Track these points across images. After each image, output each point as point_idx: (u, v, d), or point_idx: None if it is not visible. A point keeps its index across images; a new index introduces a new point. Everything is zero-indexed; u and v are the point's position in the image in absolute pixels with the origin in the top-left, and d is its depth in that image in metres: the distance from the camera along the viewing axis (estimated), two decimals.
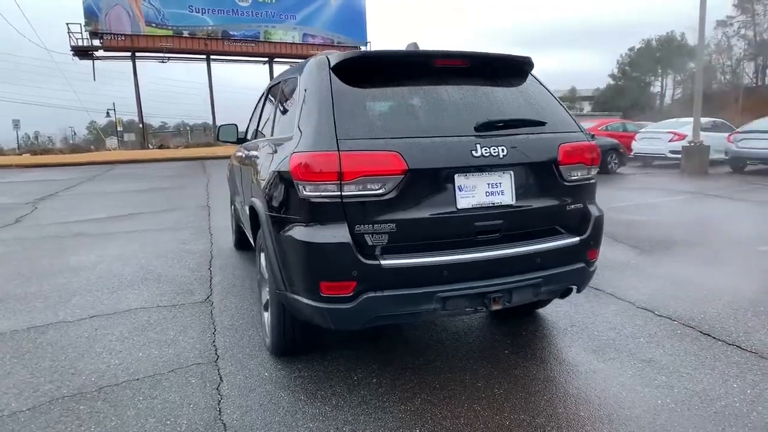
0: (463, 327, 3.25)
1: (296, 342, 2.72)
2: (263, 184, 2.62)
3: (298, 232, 2.23)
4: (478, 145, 2.26)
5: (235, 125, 4.59)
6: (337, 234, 2.14)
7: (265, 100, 3.75)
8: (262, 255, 2.96)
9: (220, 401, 2.41)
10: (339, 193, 2.12)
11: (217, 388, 2.53)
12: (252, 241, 3.78)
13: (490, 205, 2.30)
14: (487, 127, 2.33)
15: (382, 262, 2.13)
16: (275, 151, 2.60)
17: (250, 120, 4.58)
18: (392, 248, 2.19)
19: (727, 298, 3.56)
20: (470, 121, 2.35)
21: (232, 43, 29.30)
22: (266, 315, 3.04)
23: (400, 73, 2.45)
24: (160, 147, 30.83)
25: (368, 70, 2.40)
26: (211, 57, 30.05)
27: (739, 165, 11.87)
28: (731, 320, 3.18)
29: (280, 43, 30.38)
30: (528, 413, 2.25)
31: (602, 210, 2.66)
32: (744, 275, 4.10)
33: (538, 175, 2.42)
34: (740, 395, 2.35)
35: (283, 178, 2.35)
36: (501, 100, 2.52)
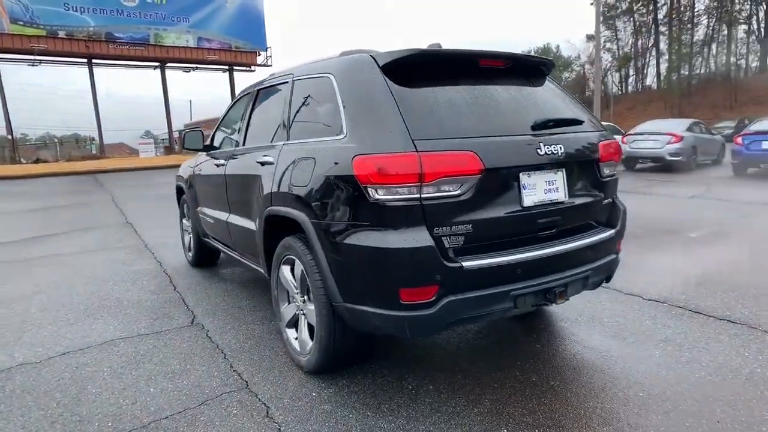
0: (482, 329, 3.28)
1: (344, 357, 2.57)
2: (304, 191, 2.43)
3: (371, 239, 2.11)
4: (541, 144, 2.31)
5: (201, 131, 4.24)
6: (419, 238, 2.05)
7: (253, 104, 3.49)
8: (285, 268, 2.77)
9: (280, 429, 2.19)
10: (418, 195, 2.04)
11: (268, 415, 2.30)
12: (245, 257, 3.51)
13: (548, 202, 2.36)
14: (543, 126, 2.39)
15: (464, 264, 2.09)
16: (313, 156, 2.43)
17: (218, 127, 4.26)
18: (468, 249, 2.15)
19: (694, 280, 3.99)
20: (523, 120, 2.40)
21: (117, 46, 26.94)
22: (290, 332, 2.84)
23: (449, 72, 2.42)
24: (36, 161, 27.36)
25: (418, 68, 2.34)
26: (94, 61, 27.39)
27: (631, 164, 13.33)
28: (709, 299, 3.57)
29: (173, 47, 28.54)
30: (597, 400, 2.34)
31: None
32: (695, 259, 4.62)
33: (583, 172, 2.54)
34: (756, 362, 2.64)
35: (341, 182, 2.21)
36: (539, 100, 2.60)
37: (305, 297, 2.65)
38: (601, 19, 68.61)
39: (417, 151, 2.04)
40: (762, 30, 50.49)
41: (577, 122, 2.55)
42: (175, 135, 30.90)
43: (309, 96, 2.79)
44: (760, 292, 3.65)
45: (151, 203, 10.39)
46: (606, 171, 2.64)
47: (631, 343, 2.93)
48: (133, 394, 2.54)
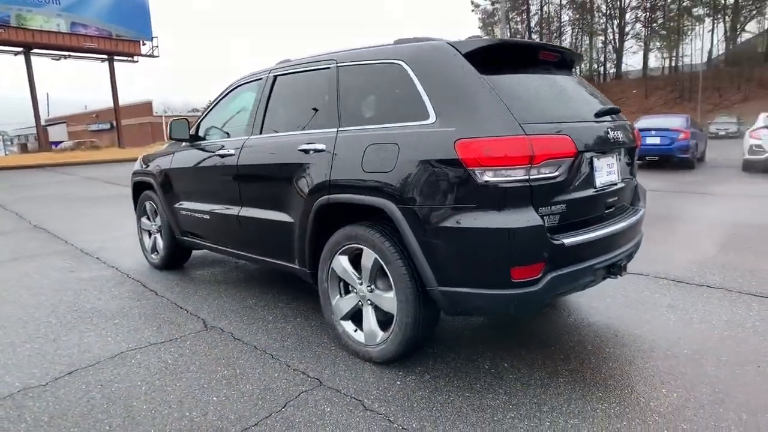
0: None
1: (421, 343, 2.56)
2: (386, 177, 2.37)
3: (481, 220, 2.13)
4: (610, 129, 2.50)
5: (187, 120, 3.90)
6: (529, 217, 2.13)
7: (270, 92, 3.28)
8: (342, 259, 2.68)
9: (389, 419, 2.13)
10: (527, 177, 2.12)
11: (366, 408, 2.22)
12: (260, 253, 3.30)
13: (609, 183, 2.57)
14: (603, 114, 2.59)
15: (565, 240, 2.21)
16: (395, 141, 2.38)
17: (205, 117, 3.94)
18: (560, 228, 2.27)
19: (663, 255, 4.54)
20: (586, 107, 2.58)
21: None
22: (347, 325, 2.76)
23: (517, 61, 2.51)
24: None
25: (492, 57, 2.40)
26: None
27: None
28: (685, 271, 4.09)
29: (41, 31, 25.23)
30: (653, 360, 2.59)
31: None
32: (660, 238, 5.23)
33: (626, 155, 2.79)
34: (752, 318, 3.11)
35: (442, 166, 2.20)
36: (584, 90, 2.80)
37: (372, 286, 2.59)
38: (480, 25, 73.31)
39: (526, 135, 2.11)
40: (616, 40, 57.59)
41: (619, 111, 2.80)
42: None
43: (368, 82, 2.70)
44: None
45: (51, 205, 9.18)
46: (635, 155, 2.93)
47: (646, 311, 3.28)
48: (195, 405, 2.29)
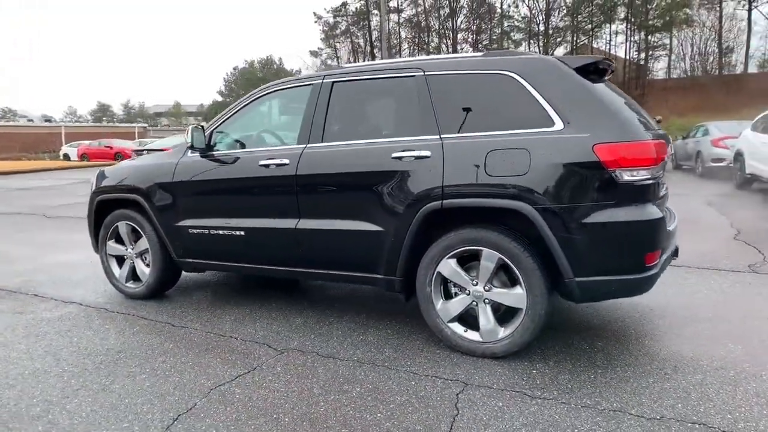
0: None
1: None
2: (520, 180, 2.52)
3: (623, 214, 2.42)
4: (669, 137, 3.00)
5: (203, 128, 3.54)
6: (654, 210, 2.48)
7: (329, 98, 3.16)
8: (450, 262, 2.76)
9: (561, 400, 2.30)
10: (650, 176, 2.47)
11: (532, 396, 2.35)
12: (329, 267, 3.17)
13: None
14: (657, 122, 3.08)
15: (669, 228, 2.62)
16: (524, 146, 2.55)
17: (223, 126, 3.59)
18: None
19: None
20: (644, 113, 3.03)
21: None
22: (456, 326, 2.84)
23: (597, 74, 2.86)
24: None
25: (587, 72, 2.73)
26: None
27: None
28: None
29: None
30: (702, 324, 3.16)
31: None
32: None
33: None
34: (752, 285, 3.93)
35: (582, 168, 2.45)
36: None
37: (489, 285, 2.71)
38: (323, 36, 74.65)
39: (652, 139, 2.47)
40: None
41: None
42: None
43: (470, 91, 2.81)
44: None
45: None
46: None
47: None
48: (373, 425, 2.19)
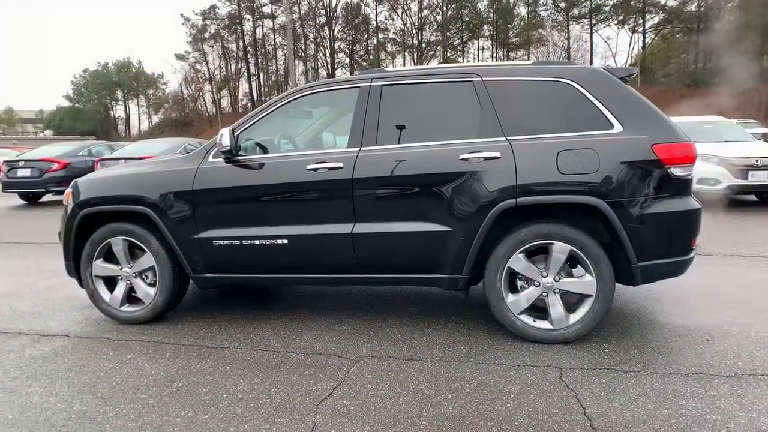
0: None
1: None
2: (592, 177, 2.77)
3: (677, 205, 2.80)
4: None
5: (232, 131, 3.30)
6: (695, 201, 2.90)
7: (379, 102, 3.14)
8: (520, 257, 2.94)
9: (668, 373, 2.59)
10: (690, 172, 2.89)
11: (628, 371, 2.61)
12: (389, 270, 3.17)
13: None
14: None
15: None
16: (591, 147, 2.81)
17: (249, 128, 3.37)
18: None
19: None
20: None
21: None
22: (526, 318, 3.01)
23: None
24: None
25: (624, 80, 3.09)
26: None
27: None
28: None
29: None
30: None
31: None
32: None
33: None
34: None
35: (644, 165, 2.77)
36: None
37: (558, 276, 2.94)
38: (191, 39, 70.87)
39: (691, 141, 2.89)
40: (328, 67, 63.95)
41: None
42: None
43: (530, 96, 3.00)
44: None
45: None
46: None
47: None
48: (509, 415, 2.26)
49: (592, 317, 2.91)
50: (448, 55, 56.20)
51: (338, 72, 63.08)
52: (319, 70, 65.73)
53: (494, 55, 53.79)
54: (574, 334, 2.94)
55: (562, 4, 50.50)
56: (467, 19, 52.88)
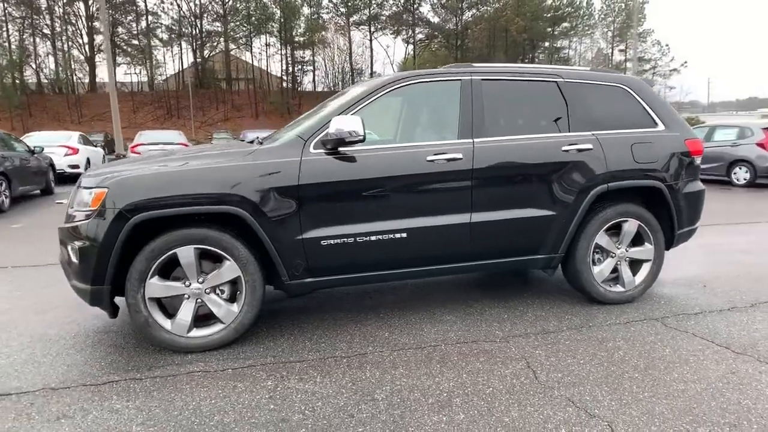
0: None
1: None
2: (655, 165, 3.47)
3: (698, 186, 3.73)
4: None
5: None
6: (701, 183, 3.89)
7: (481, 95, 3.29)
8: (602, 232, 3.51)
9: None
10: (699, 161, 3.86)
11: (712, 343, 3.41)
12: (494, 255, 3.39)
13: None
14: None
15: None
16: (650, 141, 3.52)
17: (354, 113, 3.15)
18: None
19: None
20: None
21: None
22: (605, 285, 3.58)
23: None
24: None
25: None
26: None
27: None
28: None
29: None
30: None
31: None
32: None
33: None
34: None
35: (681, 155, 3.59)
36: None
37: (627, 247, 3.59)
38: None
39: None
40: (86, 50, 54.70)
41: None
42: None
43: (596, 97, 3.54)
44: None
45: None
46: None
47: None
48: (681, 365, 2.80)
49: (651, 277, 3.66)
50: (230, 48, 54.09)
51: (99, 57, 54.46)
52: (73, 52, 55.78)
53: (281, 53, 53.90)
54: (639, 294, 3.64)
55: (343, 9, 53.54)
56: (251, 12, 51.55)
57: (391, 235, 3.11)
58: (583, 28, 53.00)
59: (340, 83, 56.80)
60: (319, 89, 56.61)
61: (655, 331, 3.12)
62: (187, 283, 2.90)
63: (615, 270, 3.60)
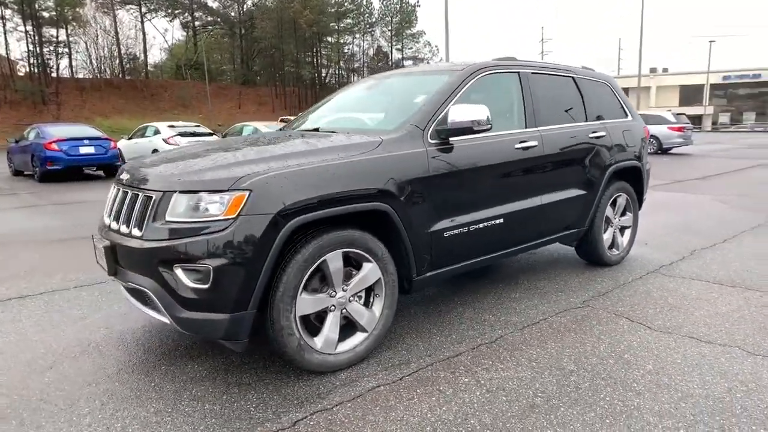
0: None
1: None
2: (635, 148, 4.32)
3: (648, 164, 4.75)
4: None
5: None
6: None
7: (528, 87, 3.60)
8: (609, 206, 4.28)
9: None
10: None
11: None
12: (543, 234, 3.81)
13: None
14: None
15: None
16: (630, 128, 4.35)
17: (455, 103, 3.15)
18: None
19: None
20: None
21: None
22: (610, 250, 4.35)
23: None
24: None
25: None
26: None
27: None
28: None
29: None
30: None
31: None
32: None
33: None
34: None
35: (643, 140, 4.55)
36: None
37: (620, 217, 4.40)
38: None
39: None
40: None
41: None
42: None
43: (595, 92, 4.19)
44: None
45: None
46: None
47: None
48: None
49: (632, 240, 4.55)
50: None
51: None
52: None
53: (25, 30, 44.05)
54: (626, 253, 4.50)
55: None
56: None
57: (494, 222, 3.24)
58: (364, 26, 56.73)
59: (108, 69, 49.47)
60: (81, 76, 48.27)
61: (663, 281, 3.95)
62: (331, 293, 2.56)
63: (612, 237, 4.36)
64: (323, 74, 60.10)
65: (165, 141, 13.76)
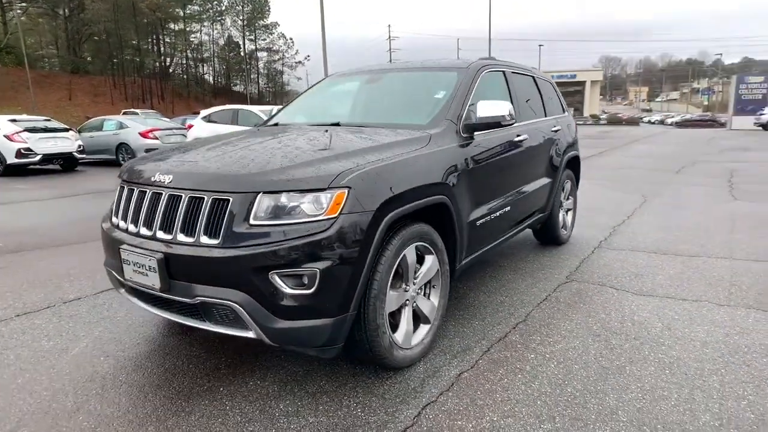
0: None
1: None
2: (572, 139, 4.93)
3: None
4: None
5: None
6: None
7: (510, 84, 3.90)
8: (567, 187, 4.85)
9: None
10: None
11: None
12: (519, 222, 4.20)
13: None
14: None
15: None
16: (562, 125, 4.95)
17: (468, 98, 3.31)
18: None
19: None
20: None
21: None
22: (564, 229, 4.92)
23: None
24: None
25: None
26: None
27: None
28: None
29: None
30: None
31: None
32: None
33: None
34: None
35: (576, 133, 5.20)
36: None
37: (566, 200, 4.98)
38: None
39: None
40: None
41: None
42: None
43: (545, 89, 4.65)
44: None
45: None
46: None
47: None
48: None
49: (573, 220, 5.17)
50: None
51: None
52: None
53: None
54: (571, 232, 5.11)
55: None
56: None
57: (505, 209, 3.48)
58: (213, 14, 53.40)
59: None
60: None
61: (612, 254, 4.61)
62: (405, 287, 2.56)
63: (562, 219, 4.93)
64: (168, 64, 55.31)
65: (7, 138, 11.68)
